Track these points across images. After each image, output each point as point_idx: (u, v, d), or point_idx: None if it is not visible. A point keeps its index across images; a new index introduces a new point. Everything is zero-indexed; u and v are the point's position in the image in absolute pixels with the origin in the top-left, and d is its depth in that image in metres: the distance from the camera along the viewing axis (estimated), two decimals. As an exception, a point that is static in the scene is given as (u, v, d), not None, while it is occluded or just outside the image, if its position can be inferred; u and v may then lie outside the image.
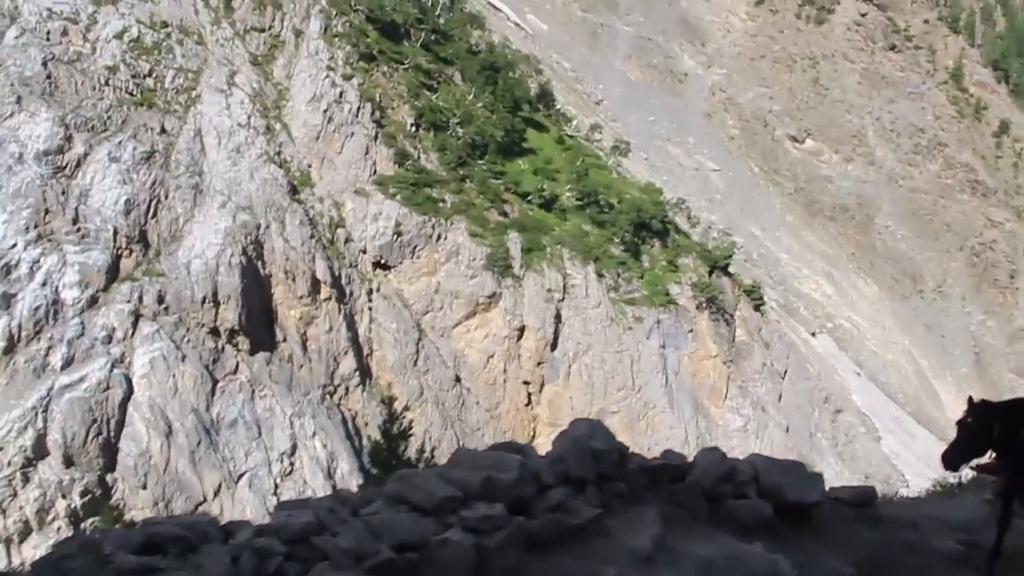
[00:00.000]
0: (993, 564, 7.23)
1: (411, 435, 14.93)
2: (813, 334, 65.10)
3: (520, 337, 43.69)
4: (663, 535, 5.86)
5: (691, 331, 47.73)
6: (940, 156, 80.00)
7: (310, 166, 44.06)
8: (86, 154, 37.61)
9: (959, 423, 6.93)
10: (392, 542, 4.41)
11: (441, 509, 4.80)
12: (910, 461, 54.51)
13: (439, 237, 43.85)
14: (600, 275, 45.95)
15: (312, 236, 40.37)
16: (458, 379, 42.42)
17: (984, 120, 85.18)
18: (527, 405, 43.76)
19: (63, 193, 36.27)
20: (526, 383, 43.74)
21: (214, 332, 36.39)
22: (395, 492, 4.93)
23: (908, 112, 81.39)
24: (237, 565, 3.98)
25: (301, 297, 39.16)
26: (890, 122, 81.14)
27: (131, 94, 40.63)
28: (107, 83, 40.24)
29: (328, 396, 38.47)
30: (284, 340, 38.66)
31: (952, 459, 6.87)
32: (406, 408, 34.19)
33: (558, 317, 44.35)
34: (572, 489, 5.73)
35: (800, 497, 7.21)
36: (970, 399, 7.03)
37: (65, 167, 36.88)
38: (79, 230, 35.90)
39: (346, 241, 42.49)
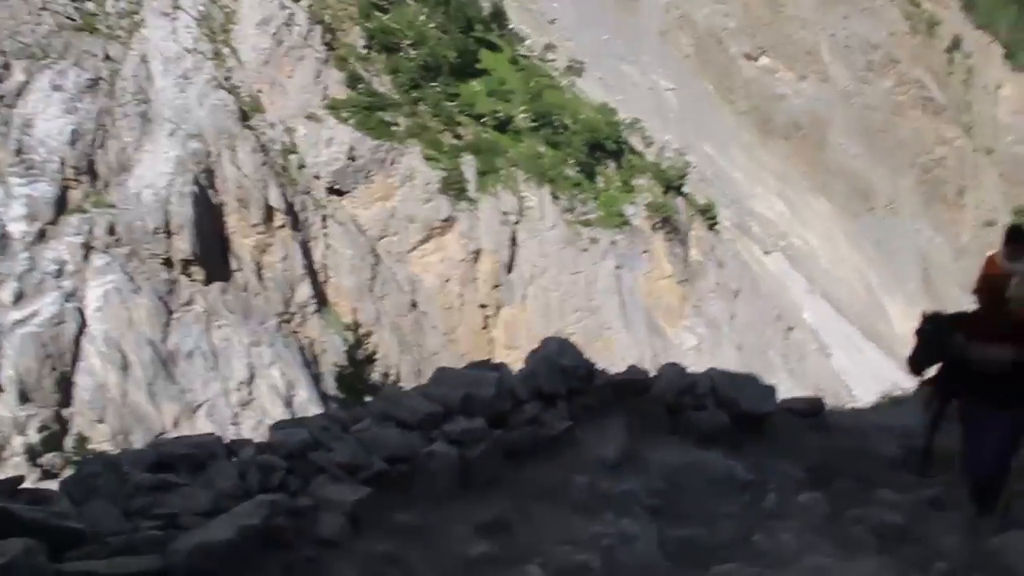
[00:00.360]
0: (925, 463, 7.82)
1: (376, 359, 15.24)
2: (766, 252, 65.80)
3: (476, 261, 43.84)
4: (629, 444, 6.30)
5: (646, 252, 48.20)
6: (893, 72, 80.00)
7: (260, 91, 43.25)
8: (27, 83, 36.55)
9: (917, 332, 7.48)
10: (383, 455, 4.77)
11: (425, 424, 5.16)
12: (859, 376, 55.96)
13: (393, 161, 43.54)
14: (555, 197, 46.05)
15: (264, 163, 39.86)
16: (415, 304, 42.58)
17: (936, 36, 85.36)
18: (484, 328, 44.13)
19: (5, 124, 35.32)
20: (483, 306, 44.04)
21: (167, 263, 36.05)
22: (381, 410, 5.25)
23: (862, 28, 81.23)
24: (244, 479, 4.28)
25: (255, 225, 38.82)
26: (844, 38, 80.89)
27: (71, 19, 39.37)
28: (45, 8, 38.96)
29: (285, 324, 38.45)
30: (239, 269, 38.43)
31: (917, 363, 7.38)
32: (365, 334, 34.42)
33: (514, 240, 44.50)
34: (544, 403, 6.12)
35: (754, 408, 7.68)
36: (923, 313, 7.62)
37: (3, 97, 35.90)
38: (23, 162, 35.08)
39: (299, 167, 42.01)
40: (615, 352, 43.26)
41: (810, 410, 8.62)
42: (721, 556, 5.21)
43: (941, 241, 75.86)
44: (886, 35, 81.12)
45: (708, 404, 7.39)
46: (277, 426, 4.94)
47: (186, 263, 36.32)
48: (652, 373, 7.77)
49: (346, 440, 4.81)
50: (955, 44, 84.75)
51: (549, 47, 63.25)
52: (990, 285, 7.92)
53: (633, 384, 7.18)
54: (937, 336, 7.20)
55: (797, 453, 7.87)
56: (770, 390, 8.08)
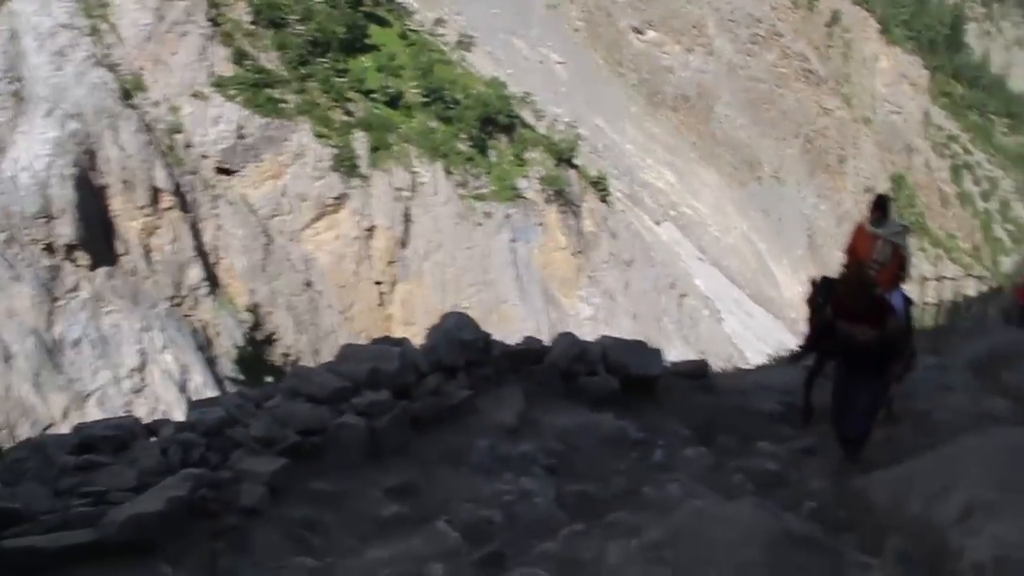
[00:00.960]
0: (804, 417, 8.54)
1: (276, 340, 15.30)
2: (657, 222, 67.16)
3: (370, 237, 43.68)
4: (526, 410, 6.74)
5: (540, 224, 48.82)
6: (776, 46, 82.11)
7: (142, 69, 41.90)
8: None
9: (809, 301, 8.54)
10: (296, 428, 5.07)
11: (334, 398, 5.47)
12: (749, 339, 57.99)
13: (283, 139, 42.84)
14: (448, 172, 46.16)
15: (149, 143, 38.71)
16: (309, 283, 42.22)
17: (816, 10, 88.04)
18: (380, 305, 44.09)
19: None
20: (378, 283, 43.96)
21: (49, 249, 34.79)
22: (291, 386, 5.53)
23: (746, 3, 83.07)
24: (166, 456, 4.51)
25: (141, 207, 37.77)
26: (729, 12, 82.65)
27: (-68, -8, 37.48)
28: (-97, -21, 36.95)
29: (176, 308, 37.66)
30: (126, 253, 37.37)
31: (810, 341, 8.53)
32: (264, 314, 34.10)
33: (408, 216, 44.45)
34: (446, 375, 6.51)
35: (643, 372, 8.23)
36: (812, 280, 8.74)
37: None
38: None
39: (186, 147, 40.93)
40: (512, 324, 43.78)
41: (696, 372, 9.26)
42: (613, 507, 5.68)
43: (825, 207, 78.56)
44: (769, 9, 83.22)
45: (599, 370, 7.91)
46: (193, 405, 5.17)
47: (69, 248, 35.12)
48: (547, 343, 8.24)
49: (260, 416, 5.08)
50: (834, 18, 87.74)
51: (439, 21, 63.04)
52: (856, 249, 9.18)
53: (528, 353, 7.64)
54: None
55: (684, 412, 8.48)
56: (657, 355, 8.65)
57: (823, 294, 8.37)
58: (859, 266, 8.14)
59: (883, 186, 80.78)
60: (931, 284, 23.72)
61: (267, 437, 4.90)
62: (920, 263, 75.73)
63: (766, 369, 12.32)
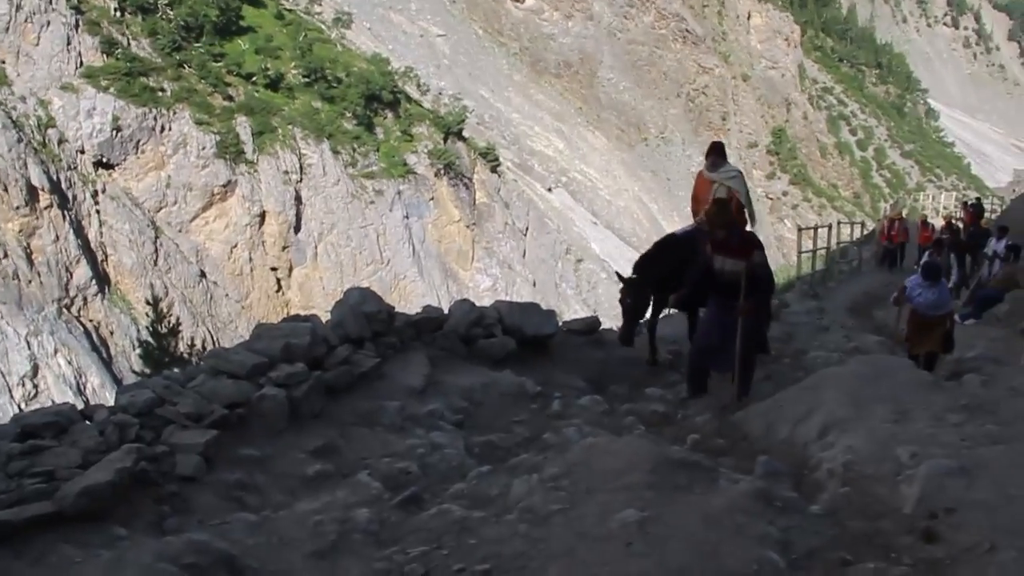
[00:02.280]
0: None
1: (180, 332, 15.44)
2: (549, 189, 68.00)
3: (262, 223, 43.29)
4: (431, 373, 7.34)
5: (432, 199, 49.11)
6: (652, 8, 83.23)
7: (3, 62, 40.36)
8: None
9: (620, 301, 9.30)
10: (222, 403, 5.52)
11: (254, 373, 5.93)
12: (647, 297, 59.34)
13: (163, 128, 41.92)
14: (336, 152, 45.95)
15: (19, 140, 37.30)
16: (203, 274, 41.69)
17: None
18: (278, 291, 43.86)
19: None
20: (274, 269, 43.69)
21: (-80, 257, 33.58)
22: (212, 366, 5.98)
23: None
24: (104, 436, 4.91)
25: (18, 208, 36.49)
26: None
27: None
28: None
29: (66, 310, 36.66)
30: (5, 256, 36.12)
31: (627, 336, 9.13)
32: (158, 309, 33.51)
33: (298, 199, 44.16)
34: (354, 346, 7.04)
35: (538, 331, 8.90)
36: (621, 278, 9.40)
37: None
38: None
39: (60, 142, 39.61)
40: (412, 300, 44.08)
41: (587, 329, 9.96)
42: (516, 452, 6.32)
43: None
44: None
45: (497, 332, 8.54)
46: (122, 390, 5.55)
47: (-57, 255, 33.93)
48: (446, 311, 8.85)
49: (187, 394, 5.50)
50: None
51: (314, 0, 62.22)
52: (697, 195, 10.05)
53: (429, 321, 8.25)
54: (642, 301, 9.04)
55: (578, 366, 9.18)
56: (551, 315, 9.33)
57: (632, 292, 9.10)
58: (723, 202, 8.57)
59: (765, 140, 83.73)
60: (813, 232, 25.03)
61: (196, 413, 5.33)
62: (805, 213, 78.94)
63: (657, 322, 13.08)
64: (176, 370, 6.69)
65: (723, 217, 7.87)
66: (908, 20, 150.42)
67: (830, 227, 26.68)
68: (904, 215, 27.30)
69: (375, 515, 4.80)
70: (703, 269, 8.06)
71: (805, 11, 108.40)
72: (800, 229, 28.14)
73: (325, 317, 7.62)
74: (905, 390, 7.15)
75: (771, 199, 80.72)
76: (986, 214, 28.65)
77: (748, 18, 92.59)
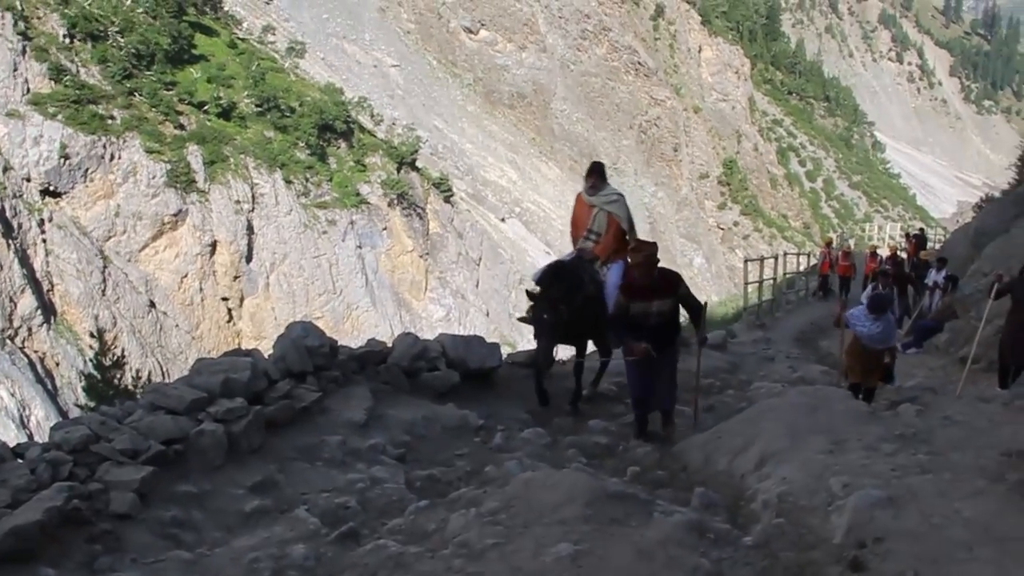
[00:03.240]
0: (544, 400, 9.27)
1: (125, 364, 15.24)
2: (503, 219, 68.29)
3: (213, 253, 42.92)
4: (374, 407, 7.35)
5: (385, 229, 49.08)
6: (606, 40, 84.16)
7: (-53, 89, 39.77)
8: None
9: (534, 320, 8.79)
10: (159, 439, 5.49)
11: (192, 409, 5.91)
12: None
13: (112, 156, 41.44)
14: (288, 181, 45.82)
15: (-36, 168, 36.82)
16: (152, 304, 41.14)
17: (642, 4, 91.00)
18: (229, 321, 43.42)
19: None
20: (225, 299, 43.29)
21: None
22: (150, 401, 5.94)
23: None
24: (36, 474, 4.85)
25: (-39, 236, 35.93)
26: (558, 9, 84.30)
27: None
28: None
29: (9, 341, 35.89)
30: (-53, 286, 35.52)
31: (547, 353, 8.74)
32: (103, 341, 32.98)
33: (250, 228, 43.89)
34: (296, 380, 7.04)
35: (482, 364, 8.96)
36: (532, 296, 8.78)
37: None
38: None
39: (5, 170, 38.95)
40: (365, 331, 43.91)
41: (531, 362, 10.02)
42: (458, 486, 6.35)
43: (663, 195, 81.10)
44: (596, 5, 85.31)
45: (440, 366, 8.59)
46: (56, 427, 5.49)
47: None
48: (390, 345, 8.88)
49: (123, 430, 5.46)
50: (658, 11, 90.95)
51: (268, 29, 62.21)
52: (576, 220, 9.66)
53: (372, 355, 8.27)
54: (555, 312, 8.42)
55: (522, 398, 9.25)
56: (495, 348, 9.39)
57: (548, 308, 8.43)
58: (648, 245, 7.87)
59: (716, 171, 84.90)
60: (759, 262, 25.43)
61: (131, 449, 5.29)
62: (756, 243, 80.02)
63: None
64: (114, 405, 6.63)
65: (650, 271, 7.59)
66: (855, 55, 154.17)
67: (776, 257, 27.10)
68: (850, 248, 27.85)
69: (311, 551, 4.81)
70: (622, 317, 7.76)
71: (755, 45, 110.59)
72: (745, 261, 28.50)
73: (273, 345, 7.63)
74: (841, 421, 7.31)
75: (722, 229, 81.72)
76: (929, 244, 29.35)
77: (699, 51, 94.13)
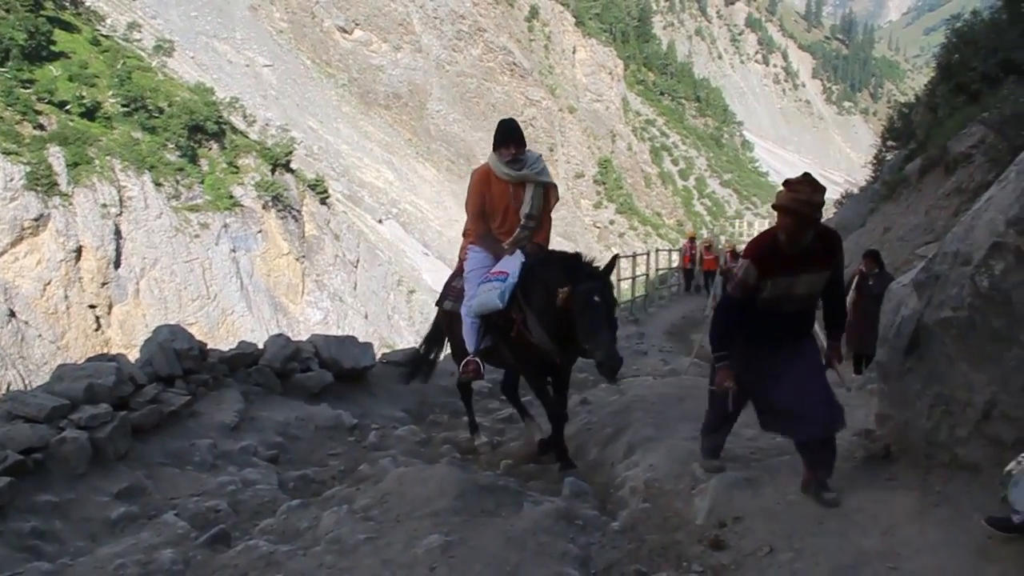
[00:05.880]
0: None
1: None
2: (380, 221, 68.00)
3: (79, 259, 41.24)
4: (245, 409, 7.29)
5: (260, 231, 48.17)
6: (481, 41, 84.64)
7: None
8: None
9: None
10: (17, 448, 5.31)
11: (53, 416, 5.74)
12: (479, 327, 59.93)
13: (-35, 159, 39.47)
14: (158, 184, 44.45)
15: None
16: (12, 313, 39.22)
17: (516, 6, 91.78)
18: (97, 330, 41.82)
19: None
20: (92, 307, 41.65)
21: None
22: (7, 411, 5.73)
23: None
24: None
25: None
26: (433, 9, 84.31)
27: None
28: None
29: None
30: None
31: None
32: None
33: (118, 233, 42.39)
34: (163, 385, 6.91)
35: (355, 363, 8.98)
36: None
37: None
38: None
39: None
40: (241, 336, 42.93)
41: (406, 360, 10.09)
42: (331, 485, 6.37)
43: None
44: (471, 6, 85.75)
45: (313, 366, 8.57)
46: (-94, 441, 5.27)
47: None
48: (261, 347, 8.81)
49: (-23, 442, 5.29)
50: (533, 13, 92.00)
51: (133, 26, 60.06)
52: (494, 207, 6.82)
53: (243, 357, 8.19)
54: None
55: (396, 397, 9.33)
56: (368, 347, 9.41)
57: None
58: (808, 183, 4.70)
59: (591, 171, 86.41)
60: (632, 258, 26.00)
61: (-13, 461, 5.14)
62: (632, 241, 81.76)
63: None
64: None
65: (805, 228, 4.74)
66: (723, 57, 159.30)
67: (648, 254, 27.80)
68: (711, 245, 28.79)
69: (180, 555, 4.75)
70: (743, 305, 5.00)
71: (627, 46, 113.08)
72: (615, 256, 29.10)
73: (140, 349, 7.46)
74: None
75: (598, 228, 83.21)
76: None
77: (573, 52, 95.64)
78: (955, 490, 4.56)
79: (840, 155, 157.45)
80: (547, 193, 6.85)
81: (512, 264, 6.57)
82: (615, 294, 6.62)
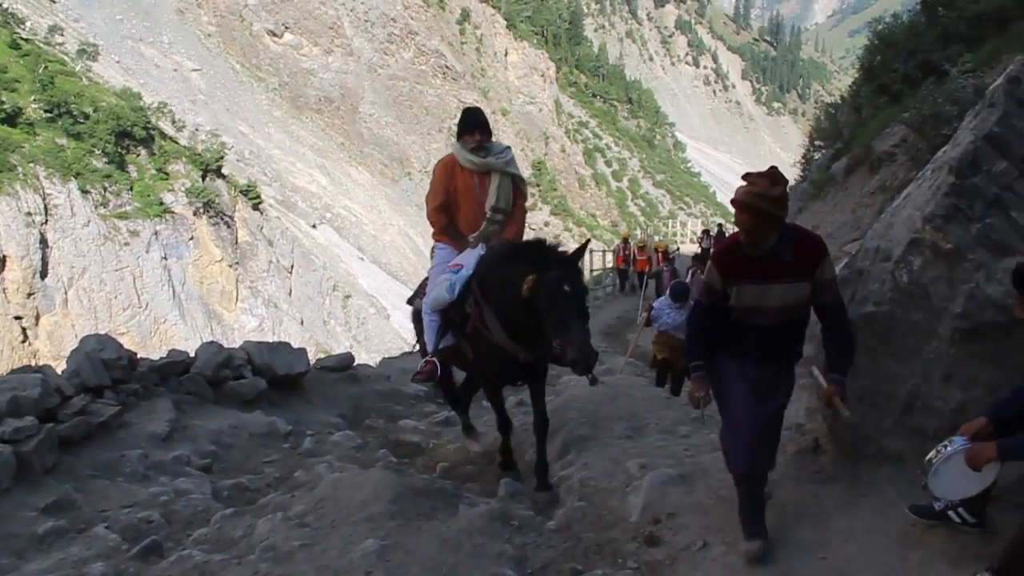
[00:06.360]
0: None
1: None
2: (314, 226, 67.43)
3: (2, 269, 40.15)
4: (177, 418, 7.19)
5: (192, 238, 47.45)
6: (412, 44, 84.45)
7: None
8: None
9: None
10: (-67, 467, 5.17)
11: (-26, 431, 5.60)
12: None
13: None
14: (85, 191, 43.49)
15: None
16: (-67, 326, 38.14)
17: (448, 9, 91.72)
18: (24, 342, 40.75)
19: None
20: (18, 318, 40.57)
21: None
22: (-75, 427, 5.58)
23: (379, 2, 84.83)
24: None
25: None
26: (364, 12, 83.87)
27: None
28: None
29: None
30: None
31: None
32: None
33: (44, 242, 41.39)
34: (92, 396, 6.78)
35: (289, 369, 8.91)
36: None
37: None
38: None
39: None
40: (174, 345, 42.13)
41: (341, 365, 10.07)
42: (266, 492, 6.31)
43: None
44: (402, 9, 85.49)
45: (246, 373, 8.49)
46: None
47: None
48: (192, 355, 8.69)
49: None
50: (464, 16, 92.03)
51: (55, 29, 58.50)
52: (459, 200, 6.50)
53: (174, 366, 8.08)
54: None
55: (332, 402, 9.29)
56: (302, 353, 9.35)
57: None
58: (767, 176, 4.26)
59: (525, 173, 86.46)
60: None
61: (-97, 479, 4.99)
62: (567, 243, 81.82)
63: (412, 355, 13.38)
64: None
65: (767, 227, 4.30)
66: (654, 59, 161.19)
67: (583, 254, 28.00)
68: (644, 245, 29.11)
69: (111, 568, 4.67)
70: (710, 313, 4.58)
71: (559, 49, 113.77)
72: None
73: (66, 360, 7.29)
74: (641, 407, 7.76)
75: (533, 230, 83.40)
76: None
77: (505, 55, 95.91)
78: (881, 480, 4.69)
79: (770, 155, 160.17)
80: (516, 185, 6.50)
81: (470, 257, 6.16)
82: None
